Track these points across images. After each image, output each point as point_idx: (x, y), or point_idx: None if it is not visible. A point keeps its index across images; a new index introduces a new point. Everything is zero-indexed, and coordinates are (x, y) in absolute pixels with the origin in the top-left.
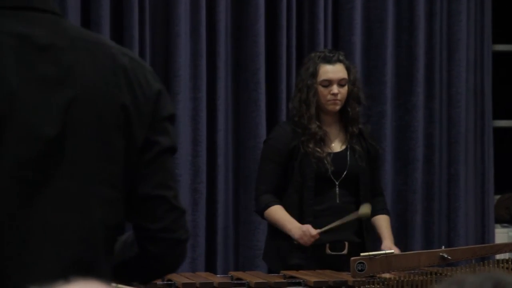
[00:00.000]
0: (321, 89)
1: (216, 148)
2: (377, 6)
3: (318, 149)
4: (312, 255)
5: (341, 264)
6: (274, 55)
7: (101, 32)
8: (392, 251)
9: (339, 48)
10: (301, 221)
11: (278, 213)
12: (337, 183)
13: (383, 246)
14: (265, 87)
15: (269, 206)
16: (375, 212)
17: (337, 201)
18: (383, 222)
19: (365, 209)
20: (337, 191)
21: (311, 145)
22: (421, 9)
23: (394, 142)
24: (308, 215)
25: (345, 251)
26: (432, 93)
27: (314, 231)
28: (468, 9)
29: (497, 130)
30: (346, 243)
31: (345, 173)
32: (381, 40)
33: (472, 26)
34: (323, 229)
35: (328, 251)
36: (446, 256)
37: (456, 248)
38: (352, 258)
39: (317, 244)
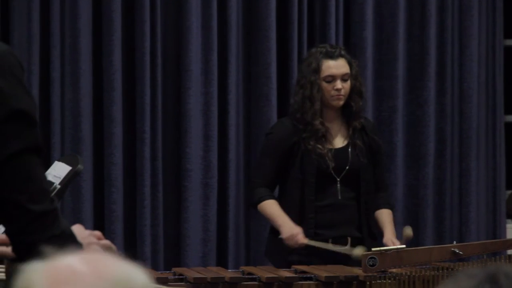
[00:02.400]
0: (324, 85)
1: (228, 143)
2: (388, 0)
3: (320, 146)
4: (313, 251)
5: (343, 259)
6: (286, 49)
7: (113, 27)
8: (404, 246)
9: (350, 43)
10: (303, 217)
11: (271, 207)
12: (338, 179)
13: (384, 240)
14: (276, 81)
15: (263, 200)
16: (377, 206)
17: (339, 197)
18: (385, 217)
19: (358, 251)
20: (339, 187)
21: (312, 142)
22: (432, 4)
23: (406, 137)
24: (309, 211)
25: (348, 246)
26: (443, 88)
27: (302, 240)
28: (479, 4)
29: (509, 125)
30: (349, 238)
31: (346, 169)
32: (392, 34)
33: (483, 21)
34: (313, 243)
35: (330, 246)
36: (457, 251)
37: (467, 243)
38: (363, 253)
39: (319, 240)
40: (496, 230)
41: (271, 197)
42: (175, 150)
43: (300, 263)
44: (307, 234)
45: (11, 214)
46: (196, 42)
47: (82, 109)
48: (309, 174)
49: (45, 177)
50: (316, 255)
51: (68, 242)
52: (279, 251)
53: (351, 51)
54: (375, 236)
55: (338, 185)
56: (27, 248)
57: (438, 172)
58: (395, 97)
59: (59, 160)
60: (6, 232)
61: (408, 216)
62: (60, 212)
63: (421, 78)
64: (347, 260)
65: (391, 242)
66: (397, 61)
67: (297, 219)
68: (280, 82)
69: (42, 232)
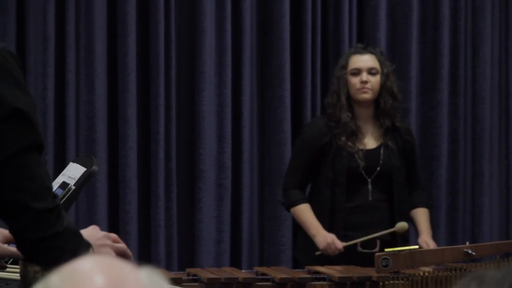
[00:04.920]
0: (350, 78)
1: (241, 144)
2: (401, 2)
3: (350, 144)
4: (343, 253)
5: (372, 262)
6: (299, 51)
7: (127, 29)
8: (417, 246)
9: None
10: (333, 218)
11: (304, 214)
12: (369, 180)
13: (419, 240)
14: (290, 83)
15: (296, 204)
16: (414, 205)
17: (370, 198)
18: (421, 216)
19: (402, 225)
20: (370, 188)
21: (343, 138)
22: (445, 6)
23: (419, 138)
24: (339, 212)
25: (376, 249)
26: (456, 90)
27: (339, 244)
28: (492, 6)
29: None
30: (378, 241)
31: (377, 170)
32: (405, 36)
33: (496, 22)
34: (350, 243)
35: (359, 248)
36: (470, 252)
37: (480, 244)
38: (377, 254)
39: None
40: (509, 231)
41: (304, 200)
42: (189, 151)
43: (328, 261)
44: (337, 235)
45: (14, 213)
46: (210, 44)
47: (96, 110)
48: (339, 173)
49: (47, 175)
50: (345, 256)
51: (72, 239)
52: (310, 250)
53: None
54: (407, 238)
55: (369, 186)
56: (31, 246)
57: (451, 173)
58: (408, 98)
59: (73, 161)
60: (9, 230)
61: None
62: (63, 209)
63: (434, 80)
64: (371, 259)
65: (425, 243)
66: (410, 62)
67: (327, 219)
68: (294, 84)
69: (45, 229)
